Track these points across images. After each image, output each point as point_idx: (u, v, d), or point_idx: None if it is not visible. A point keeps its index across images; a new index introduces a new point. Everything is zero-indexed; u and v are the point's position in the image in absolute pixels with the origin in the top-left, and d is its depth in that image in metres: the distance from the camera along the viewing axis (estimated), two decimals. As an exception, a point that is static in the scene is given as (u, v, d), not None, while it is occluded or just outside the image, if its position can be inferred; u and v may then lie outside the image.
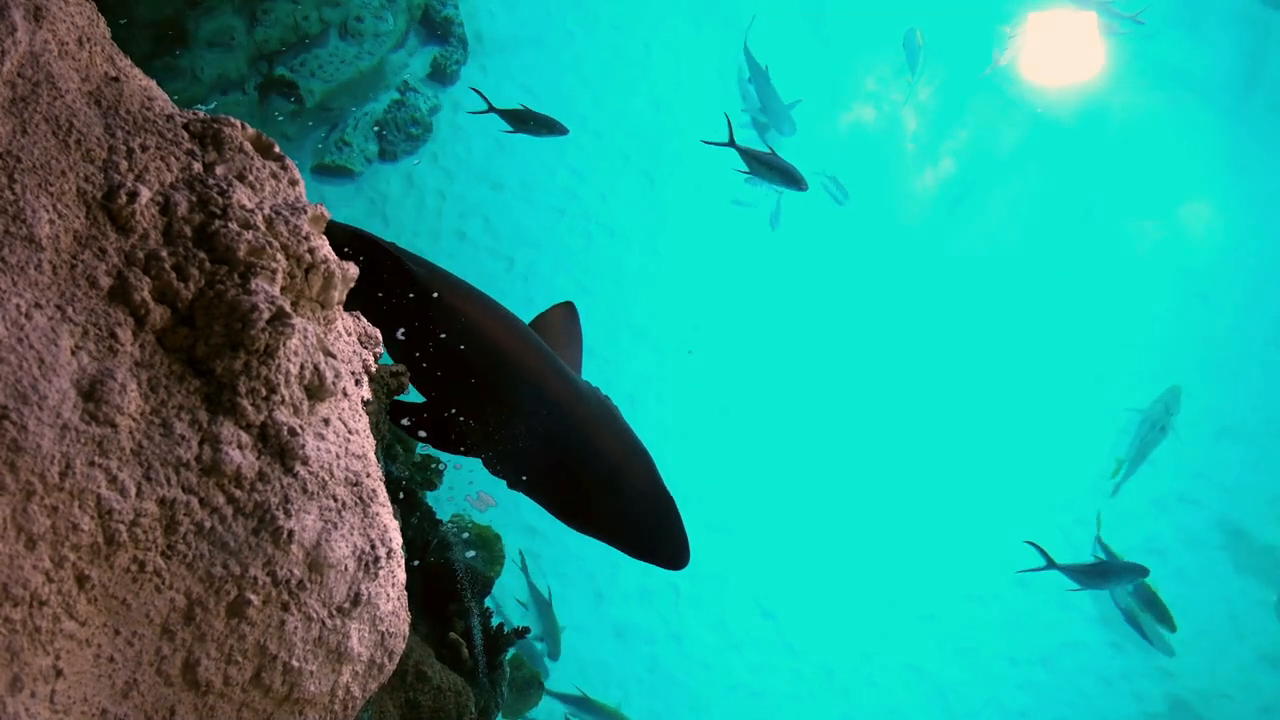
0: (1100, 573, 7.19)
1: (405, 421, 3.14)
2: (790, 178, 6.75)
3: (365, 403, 2.02)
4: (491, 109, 7.08)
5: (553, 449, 2.91)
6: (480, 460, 3.15)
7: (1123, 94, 13.09)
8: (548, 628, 9.17)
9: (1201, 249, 12.75)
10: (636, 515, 2.96)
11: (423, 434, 3.14)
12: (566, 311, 3.60)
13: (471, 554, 5.09)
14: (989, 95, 13.54)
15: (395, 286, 2.94)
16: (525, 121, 7.15)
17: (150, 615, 1.54)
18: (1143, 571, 7.08)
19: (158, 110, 1.89)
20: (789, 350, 13.53)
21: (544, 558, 11.48)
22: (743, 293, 13.57)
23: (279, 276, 1.77)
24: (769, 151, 6.94)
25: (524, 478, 3.06)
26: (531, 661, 7.32)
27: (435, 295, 2.95)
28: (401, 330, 3.00)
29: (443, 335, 2.94)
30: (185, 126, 1.90)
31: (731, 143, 6.83)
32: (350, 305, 3.13)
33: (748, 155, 6.81)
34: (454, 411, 3.04)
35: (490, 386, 2.96)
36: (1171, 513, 12.44)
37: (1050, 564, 6.94)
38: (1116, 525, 12.69)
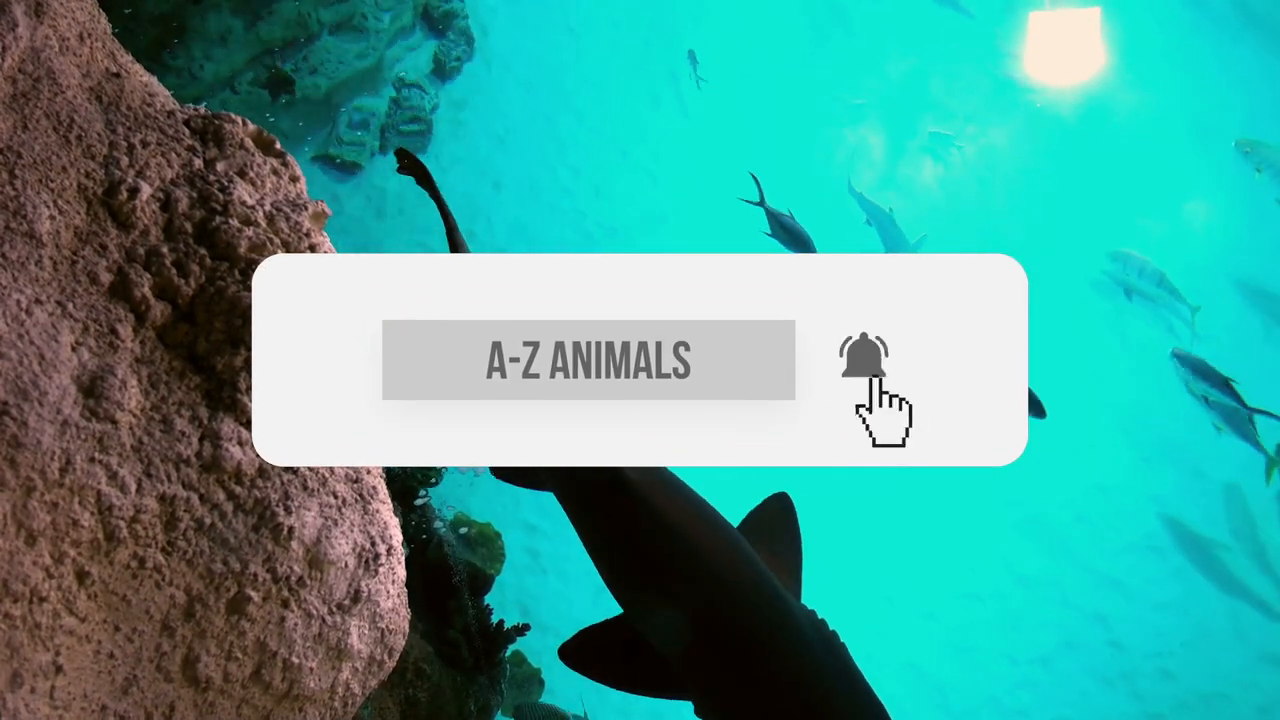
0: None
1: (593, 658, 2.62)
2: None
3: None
4: (762, 204, 6.97)
5: (768, 704, 2.31)
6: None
7: (1124, 91, 13.09)
8: None
9: (1202, 247, 12.75)
10: None
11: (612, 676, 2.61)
12: (781, 510, 2.95)
13: (465, 530, 5.08)
14: (991, 92, 13.54)
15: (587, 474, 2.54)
16: (783, 228, 6.96)
17: (150, 611, 1.54)
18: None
19: (158, 106, 1.89)
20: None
21: (544, 555, 11.48)
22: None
23: (280, 273, 1.77)
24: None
25: None
26: None
27: (629, 487, 2.49)
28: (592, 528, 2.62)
29: (638, 537, 2.51)
30: (186, 123, 1.90)
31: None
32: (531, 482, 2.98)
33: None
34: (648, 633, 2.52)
35: (691, 610, 2.42)
36: (1172, 510, 12.44)
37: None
38: (1117, 524, 12.70)
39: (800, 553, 2.88)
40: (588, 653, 2.63)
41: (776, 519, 2.94)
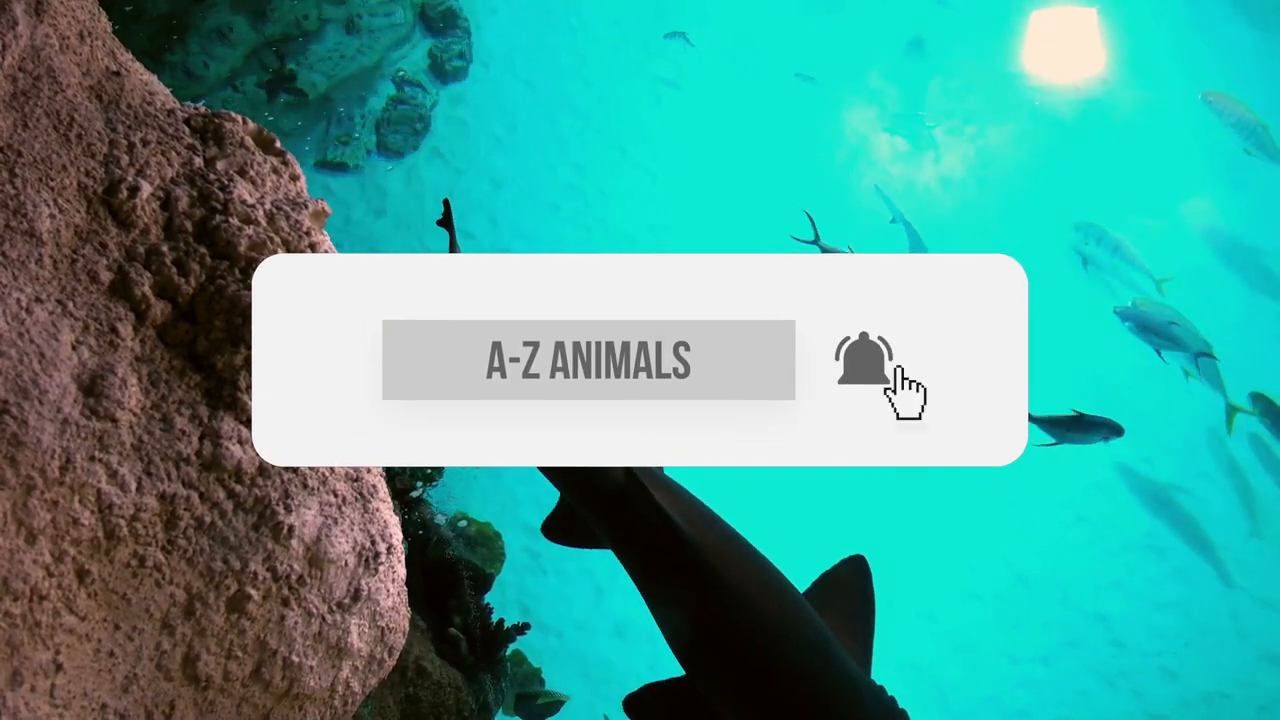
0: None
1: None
2: None
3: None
4: (817, 242, 6.97)
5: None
6: None
7: (1124, 90, 13.08)
8: None
9: (1202, 246, 12.74)
10: None
11: None
12: (855, 573, 2.84)
13: (464, 525, 5.08)
14: (991, 92, 13.54)
15: (645, 533, 2.50)
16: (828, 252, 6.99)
17: (150, 610, 1.54)
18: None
19: (159, 105, 1.89)
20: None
21: (544, 555, 11.48)
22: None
23: (280, 272, 1.77)
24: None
25: None
26: None
27: (689, 550, 2.41)
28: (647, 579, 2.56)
29: (698, 602, 2.42)
30: (186, 121, 1.90)
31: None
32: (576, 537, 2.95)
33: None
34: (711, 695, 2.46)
35: (749, 677, 2.35)
36: (1172, 509, 12.44)
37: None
38: (1117, 524, 12.70)
39: (872, 620, 2.72)
40: (652, 707, 2.63)
41: (848, 582, 2.82)
